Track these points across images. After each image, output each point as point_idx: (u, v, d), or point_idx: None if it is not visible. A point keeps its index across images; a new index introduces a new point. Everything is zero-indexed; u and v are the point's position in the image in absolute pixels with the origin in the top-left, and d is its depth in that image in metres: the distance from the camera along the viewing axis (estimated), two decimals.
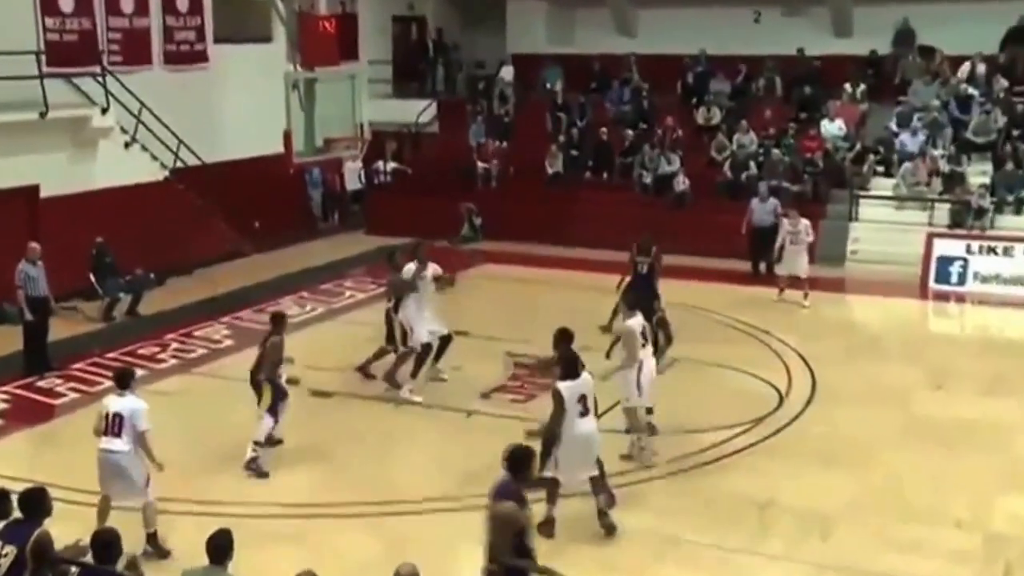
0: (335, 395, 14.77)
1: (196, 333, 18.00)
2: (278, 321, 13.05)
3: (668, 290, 16.08)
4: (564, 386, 10.48)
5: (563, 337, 11.59)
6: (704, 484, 11.96)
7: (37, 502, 8.09)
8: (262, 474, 12.29)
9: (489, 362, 15.74)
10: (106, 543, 7.71)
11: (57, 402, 14.92)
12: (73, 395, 14.98)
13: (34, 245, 16.11)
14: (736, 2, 28.08)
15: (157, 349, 17.12)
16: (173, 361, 16.68)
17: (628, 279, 16.02)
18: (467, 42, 32.81)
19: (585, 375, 10.66)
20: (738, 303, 19.29)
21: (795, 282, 19.42)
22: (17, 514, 8.12)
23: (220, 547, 7.61)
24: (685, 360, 15.76)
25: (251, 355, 12.98)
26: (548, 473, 10.44)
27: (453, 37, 32.47)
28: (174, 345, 17.37)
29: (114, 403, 10.38)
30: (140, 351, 16.96)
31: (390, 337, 15.07)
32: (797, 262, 19.27)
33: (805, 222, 19.33)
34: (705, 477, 12.13)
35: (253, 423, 12.45)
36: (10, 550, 7.72)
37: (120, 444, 10.23)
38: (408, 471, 12.41)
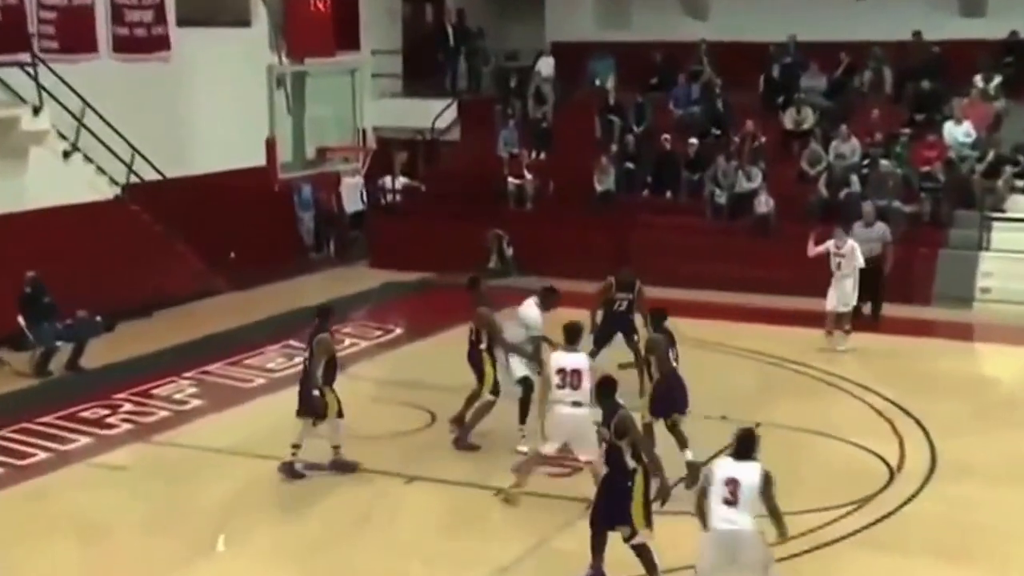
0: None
1: (155, 391, 18.07)
2: (325, 315, 14.31)
3: (746, 336, 15.86)
4: (718, 463, 10.31)
5: (604, 387, 11.75)
6: None
7: None
8: (296, 475, 14.05)
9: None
10: None
11: None
12: None
13: None
14: None
15: (105, 412, 17.15)
16: (126, 427, 16.70)
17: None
18: (496, 28, 33.05)
19: (754, 463, 10.31)
20: (834, 353, 19.33)
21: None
22: None
23: None
24: (768, 425, 15.63)
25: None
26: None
27: (478, 22, 32.69)
28: (127, 407, 17.41)
29: None
30: (83, 414, 16.99)
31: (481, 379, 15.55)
32: (846, 292, 19.37)
33: (851, 243, 19.44)
34: (798, 571, 12.13)
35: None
36: None
37: None
38: (423, 564, 12.41)
